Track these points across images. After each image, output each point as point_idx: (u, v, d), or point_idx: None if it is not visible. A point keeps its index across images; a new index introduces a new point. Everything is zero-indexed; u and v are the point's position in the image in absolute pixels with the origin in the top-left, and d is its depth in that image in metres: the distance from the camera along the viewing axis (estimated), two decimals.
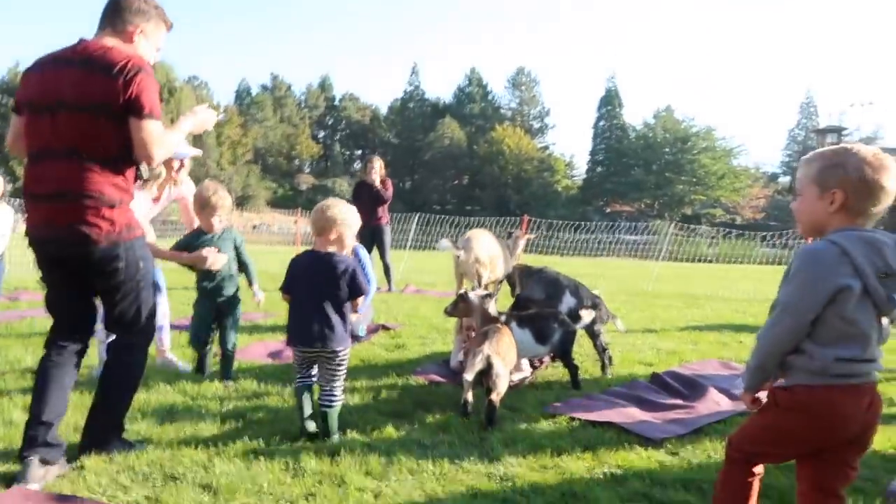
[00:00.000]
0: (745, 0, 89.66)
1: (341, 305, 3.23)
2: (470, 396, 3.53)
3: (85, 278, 2.86)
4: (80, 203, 2.70)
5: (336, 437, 3.19)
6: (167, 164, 4.17)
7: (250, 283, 4.49)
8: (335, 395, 3.25)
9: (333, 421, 3.23)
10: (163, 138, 2.76)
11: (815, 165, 1.94)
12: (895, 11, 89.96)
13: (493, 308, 4.22)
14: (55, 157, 2.72)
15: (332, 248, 3.30)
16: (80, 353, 2.97)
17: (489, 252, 5.21)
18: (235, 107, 65.68)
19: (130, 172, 2.87)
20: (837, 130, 35.01)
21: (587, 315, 4.48)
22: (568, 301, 4.83)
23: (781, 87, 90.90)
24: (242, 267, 4.40)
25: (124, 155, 2.76)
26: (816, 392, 1.85)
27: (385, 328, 6.30)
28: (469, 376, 3.47)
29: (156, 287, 4.43)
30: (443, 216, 15.97)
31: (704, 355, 5.38)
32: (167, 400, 3.77)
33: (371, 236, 8.77)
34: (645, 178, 58.68)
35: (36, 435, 2.73)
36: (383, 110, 71.68)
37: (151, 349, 3.21)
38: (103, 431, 2.94)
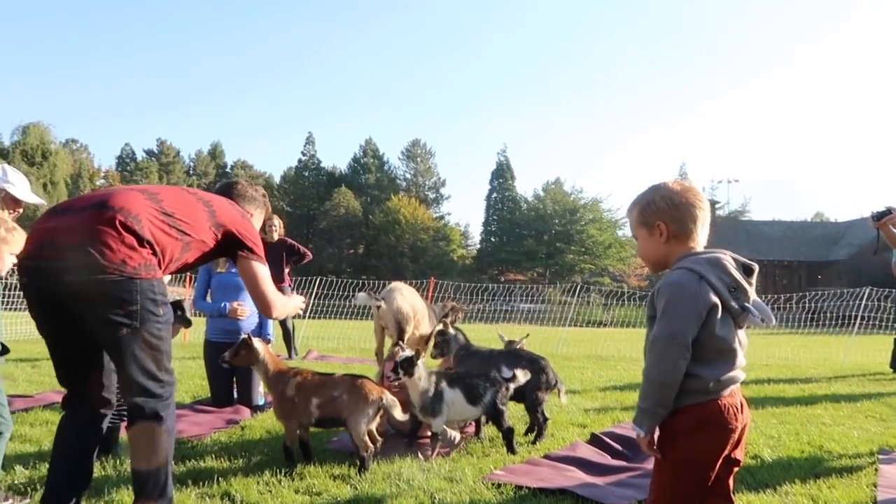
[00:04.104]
0: (622, 81, 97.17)
1: None
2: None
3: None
4: (107, 215, 2.36)
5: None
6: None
7: None
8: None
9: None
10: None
11: (635, 211, 2.07)
12: (758, 99, 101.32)
13: (421, 368, 3.82)
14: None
15: None
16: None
17: (412, 304, 4.81)
18: (117, 172, 62.44)
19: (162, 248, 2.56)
20: (710, 203, 37.72)
21: (523, 375, 4.15)
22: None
23: (658, 163, 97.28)
24: None
25: (183, 238, 2.61)
26: (708, 405, 1.90)
27: None
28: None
29: None
30: (345, 279, 15.39)
31: (633, 415, 5.15)
32: None
33: None
34: (536, 248, 60.34)
35: None
36: (276, 178, 70.46)
37: None
38: None
